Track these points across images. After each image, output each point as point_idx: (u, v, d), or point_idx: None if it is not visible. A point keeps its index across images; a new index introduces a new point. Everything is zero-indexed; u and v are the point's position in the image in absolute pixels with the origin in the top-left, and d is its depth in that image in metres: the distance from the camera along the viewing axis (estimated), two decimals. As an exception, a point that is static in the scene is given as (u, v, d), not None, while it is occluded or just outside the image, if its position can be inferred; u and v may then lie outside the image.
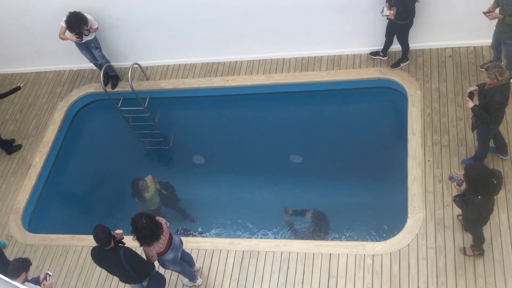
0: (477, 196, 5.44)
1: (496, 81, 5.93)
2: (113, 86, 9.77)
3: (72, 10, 8.48)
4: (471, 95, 6.37)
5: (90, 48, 9.20)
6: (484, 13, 7.00)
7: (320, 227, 7.92)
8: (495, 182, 5.38)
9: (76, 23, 8.56)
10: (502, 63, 7.80)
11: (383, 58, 8.61)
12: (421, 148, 7.48)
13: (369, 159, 8.59)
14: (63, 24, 8.68)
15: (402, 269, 6.52)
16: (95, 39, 9.10)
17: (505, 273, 6.18)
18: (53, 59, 10.04)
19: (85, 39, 8.96)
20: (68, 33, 8.75)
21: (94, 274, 7.48)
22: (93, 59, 9.43)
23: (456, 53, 8.37)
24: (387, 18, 7.75)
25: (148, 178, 8.61)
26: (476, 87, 6.42)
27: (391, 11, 7.54)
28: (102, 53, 9.29)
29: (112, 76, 9.75)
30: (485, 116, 6.21)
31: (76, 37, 8.67)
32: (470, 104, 6.31)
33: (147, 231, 5.65)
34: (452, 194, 6.86)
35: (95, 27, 8.88)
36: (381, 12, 7.69)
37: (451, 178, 5.83)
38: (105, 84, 9.54)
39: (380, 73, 8.51)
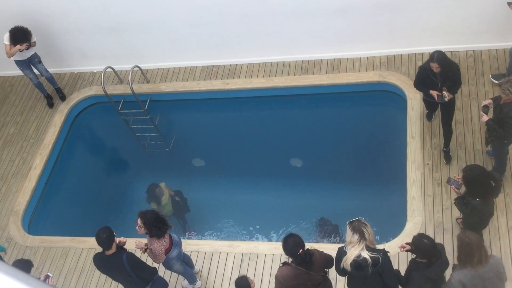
0: (476, 199, 5.46)
1: (511, 95, 5.81)
2: (62, 99, 9.92)
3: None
4: (485, 109, 6.23)
5: (34, 64, 9.27)
6: (509, 3, 6.99)
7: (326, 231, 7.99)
8: (493, 184, 5.40)
9: (23, 36, 8.66)
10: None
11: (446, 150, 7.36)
12: (420, 152, 7.50)
13: (368, 162, 8.62)
14: (7, 42, 8.73)
15: (401, 272, 6.51)
16: (36, 54, 9.19)
17: (504, 276, 6.20)
18: (54, 62, 10.07)
19: (29, 54, 9.03)
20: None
21: (94, 276, 7.49)
22: (35, 78, 9.49)
23: (455, 57, 8.39)
24: (445, 100, 6.69)
25: (162, 185, 8.61)
26: (490, 101, 6.28)
27: (446, 92, 6.59)
28: (45, 66, 9.39)
29: (57, 89, 9.89)
30: (500, 131, 6.10)
31: (26, 45, 8.70)
32: (485, 118, 6.18)
33: (158, 222, 5.76)
34: (452, 197, 6.88)
35: (35, 40, 8.94)
36: (440, 100, 6.70)
37: (449, 181, 5.86)
38: (51, 106, 9.87)
39: (379, 76, 8.54)
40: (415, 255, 5.26)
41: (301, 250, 5.02)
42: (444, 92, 6.59)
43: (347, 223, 5.11)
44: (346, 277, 5.39)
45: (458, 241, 4.90)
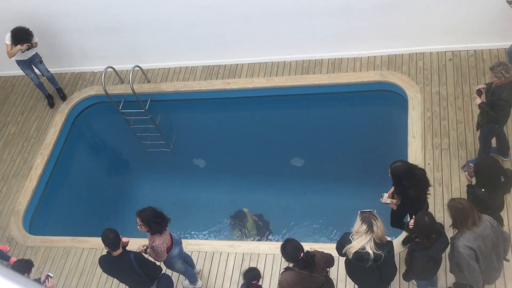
0: (481, 189, 5.47)
1: (503, 78, 5.94)
2: (63, 98, 9.94)
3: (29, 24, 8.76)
4: (479, 93, 6.42)
5: (35, 64, 9.28)
6: (508, 1, 7.03)
7: None
8: (502, 179, 5.40)
9: (25, 36, 8.68)
10: None
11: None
12: (421, 151, 7.49)
13: (369, 162, 8.60)
14: (8, 42, 8.74)
15: (401, 272, 6.50)
16: (37, 54, 9.20)
17: (505, 276, 6.18)
18: (55, 62, 10.07)
19: (30, 54, 9.05)
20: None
21: (95, 276, 7.49)
22: (36, 78, 9.49)
23: (456, 56, 8.39)
24: (380, 201, 6.01)
25: (245, 210, 8.53)
26: (484, 85, 6.46)
27: (394, 200, 5.91)
28: (45, 66, 9.41)
29: (57, 89, 9.90)
30: (492, 113, 6.23)
31: (27, 45, 8.70)
32: (478, 101, 6.34)
33: (157, 218, 5.77)
34: (452, 197, 6.88)
35: (36, 40, 8.96)
36: (380, 199, 6.01)
37: (464, 167, 5.89)
38: (52, 106, 9.87)
39: (380, 76, 8.53)
40: (415, 235, 5.34)
41: (302, 253, 5.00)
42: (385, 194, 5.91)
43: (358, 212, 5.08)
44: (345, 258, 5.41)
45: (451, 209, 4.97)
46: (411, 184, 5.59)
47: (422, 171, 5.70)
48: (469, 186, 5.78)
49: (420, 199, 5.77)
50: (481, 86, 6.50)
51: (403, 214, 6.08)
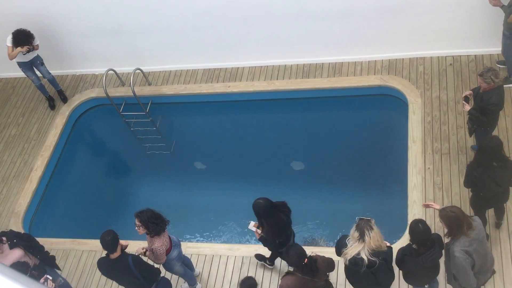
0: (479, 168, 5.54)
1: (492, 83, 5.99)
2: (64, 101, 9.96)
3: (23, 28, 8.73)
4: (466, 99, 6.49)
5: (36, 66, 9.31)
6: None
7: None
8: (495, 164, 5.46)
9: (26, 38, 8.70)
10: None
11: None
12: (422, 156, 7.50)
13: (369, 166, 8.61)
14: (9, 44, 8.77)
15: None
16: (38, 56, 9.23)
17: (504, 281, 6.18)
18: (56, 64, 10.09)
19: (31, 56, 9.08)
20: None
21: (94, 278, 7.49)
22: (37, 80, 9.51)
23: (456, 61, 8.41)
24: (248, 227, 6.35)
25: None
26: (470, 91, 6.52)
27: (259, 230, 6.12)
28: (47, 68, 9.43)
29: (58, 91, 9.93)
30: (483, 119, 6.28)
31: (27, 48, 8.72)
32: (467, 107, 6.41)
33: (155, 219, 5.78)
34: (452, 202, 6.89)
35: (38, 43, 8.98)
36: (248, 225, 6.32)
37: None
38: (53, 108, 9.89)
39: (381, 80, 8.54)
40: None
41: (306, 260, 5.03)
42: (252, 222, 6.16)
43: (356, 218, 5.12)
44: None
45: (445, 219, 4.98)
46: (266, 222, 5.78)
47: (284, 217, 5.85)
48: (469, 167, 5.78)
49: (273, 240, 5.97)
50: (468, 92, 6.55)
51: (265, 245, 6.31)
